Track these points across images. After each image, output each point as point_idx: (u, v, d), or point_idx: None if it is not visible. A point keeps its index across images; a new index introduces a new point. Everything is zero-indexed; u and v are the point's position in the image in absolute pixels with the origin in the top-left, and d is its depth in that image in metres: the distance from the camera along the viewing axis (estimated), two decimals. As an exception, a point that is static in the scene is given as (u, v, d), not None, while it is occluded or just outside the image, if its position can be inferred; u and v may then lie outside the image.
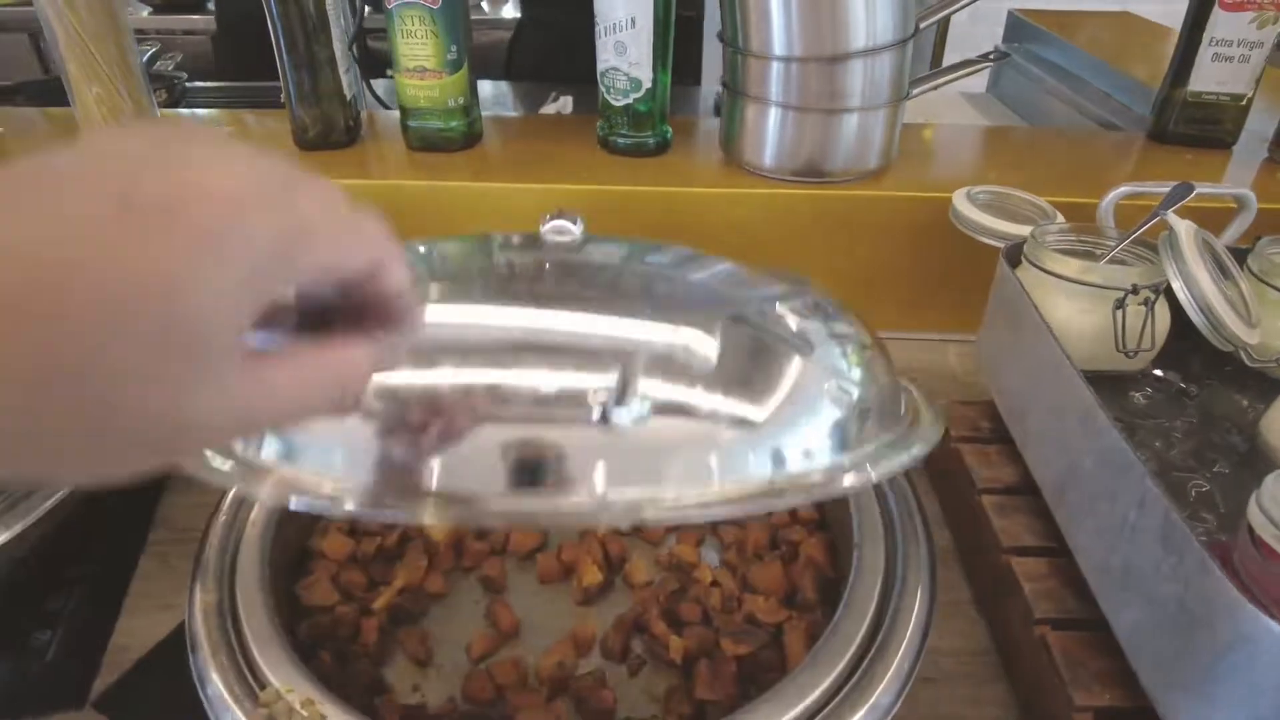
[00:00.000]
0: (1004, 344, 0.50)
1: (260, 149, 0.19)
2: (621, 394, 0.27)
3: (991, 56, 0.72)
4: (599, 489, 0.26)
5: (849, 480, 0.29)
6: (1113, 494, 0.36)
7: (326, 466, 0.26)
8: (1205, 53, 0.69)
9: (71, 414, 0.16)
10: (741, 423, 0.28)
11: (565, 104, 1.08)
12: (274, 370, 0.20)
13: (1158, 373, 0.50)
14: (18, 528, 0.41)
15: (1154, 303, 0.46)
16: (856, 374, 0.33)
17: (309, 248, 0.19)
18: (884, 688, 0.34)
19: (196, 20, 1.63)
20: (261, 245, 0.18)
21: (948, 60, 1.23)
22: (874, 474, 0.29)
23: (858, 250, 0.66)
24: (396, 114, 0.72)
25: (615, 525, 0.35)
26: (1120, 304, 0.46)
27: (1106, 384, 0.39)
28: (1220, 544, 0.37)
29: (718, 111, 0.74)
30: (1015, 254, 0.51)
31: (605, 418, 0.26)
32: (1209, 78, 0.70)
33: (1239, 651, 0.29)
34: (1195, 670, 0.31)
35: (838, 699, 0.34)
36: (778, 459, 0.28)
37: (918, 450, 0.31)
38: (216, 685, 0.33)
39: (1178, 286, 0.45)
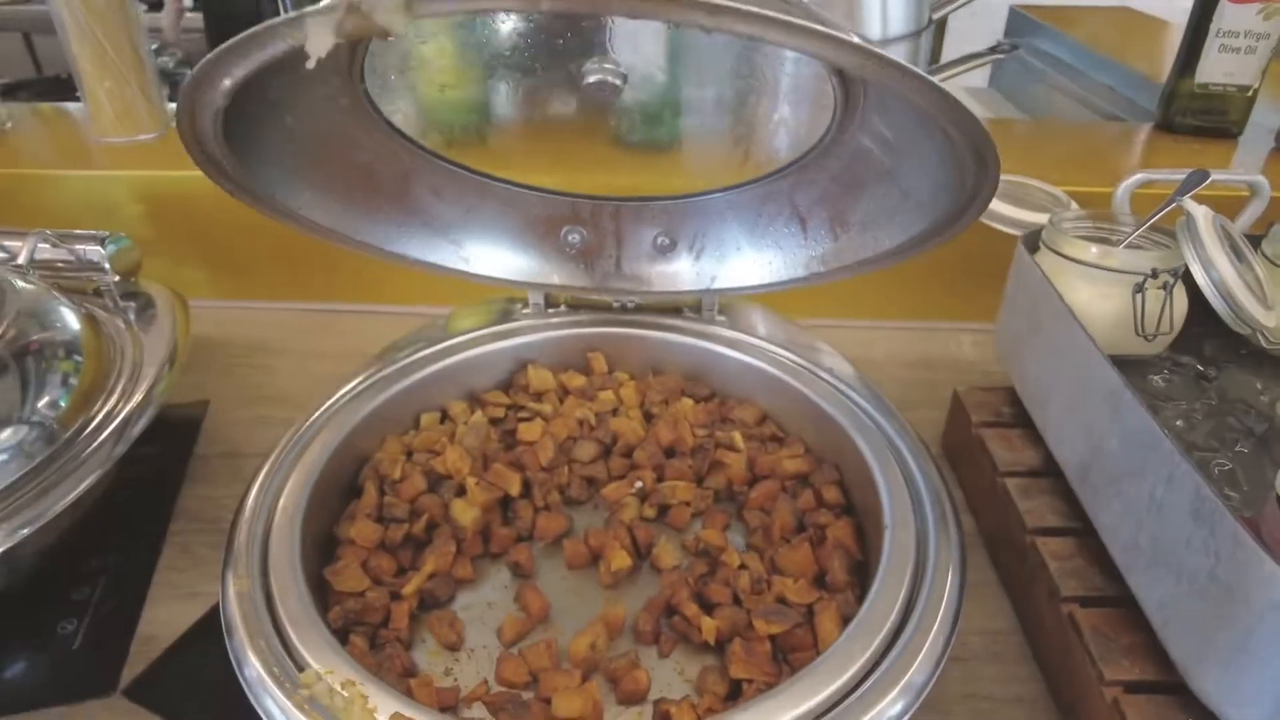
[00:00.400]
0: (1023, 330, 0.50)
1: None
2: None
3: (1003, 49, 0.72)
4: None
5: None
6: (1139, 472, 0.36)
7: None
8: (1212, 44, 0.70)
9: None
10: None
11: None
12: None
13: (1176, 356, 0.51)
14: (41, 520, 0.41)
15: (1172, 287, 0.47)
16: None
17: None
18: (918, 667, 0.35)
19: (193, 18, 1.62)
20: None
21: (946, 56, 1.24)
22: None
23: (871, 240, 0.66)
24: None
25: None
26: (1140, 288, 0.46)
27: (1126, 368, 0.39)
28: (1248, 519, 0.38)
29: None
30: (1033, 241, 0.52)
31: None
32: (1216, 69, 0.71)
33: (1271, 619, 0.29)
34: (1226, 641, 0.31)
35: (872, 678, 0.34)
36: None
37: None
38: (255, 667, 0.34)
39: (1196, 270, 0.46)
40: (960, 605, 0.37)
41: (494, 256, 0.53)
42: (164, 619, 0.44)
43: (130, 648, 0.43)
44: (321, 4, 0.29)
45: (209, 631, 0.43)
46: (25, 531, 0.40)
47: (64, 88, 1.00)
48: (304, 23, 0.30)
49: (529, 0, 0.31)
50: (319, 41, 0.30)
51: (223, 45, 0.32)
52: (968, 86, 1.18)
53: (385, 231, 0.50)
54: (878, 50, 0.31)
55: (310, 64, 0.30)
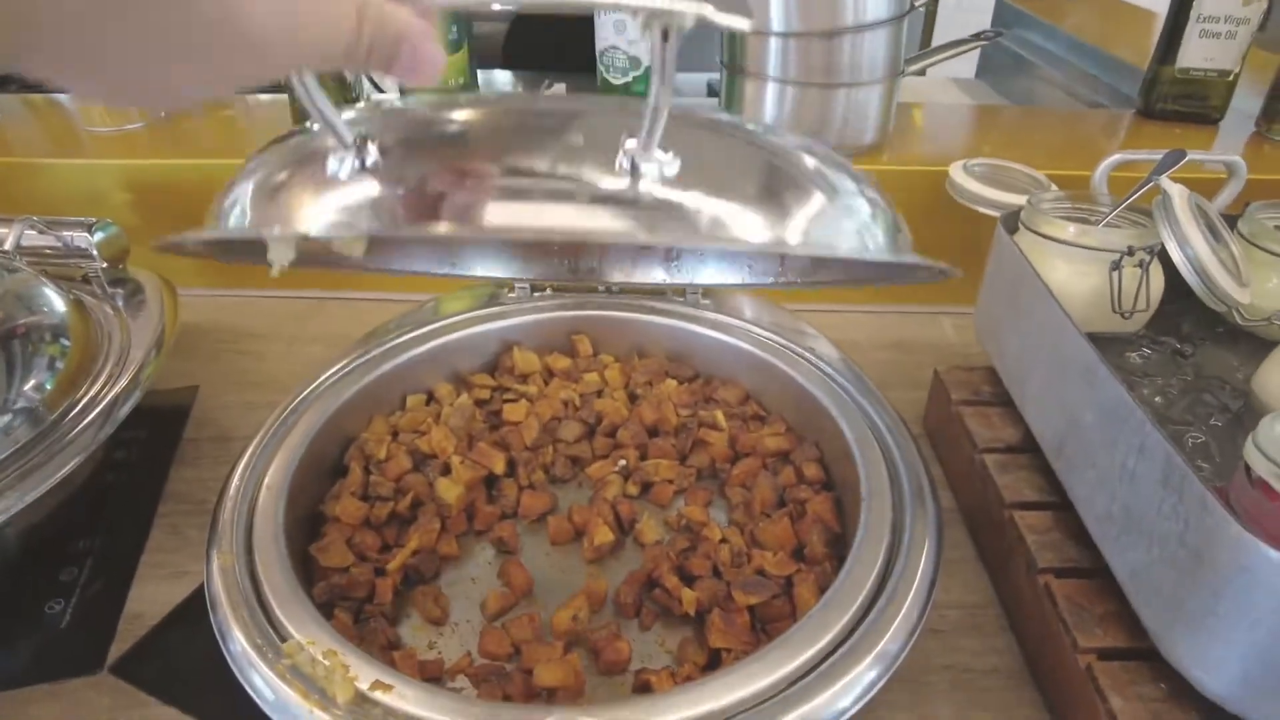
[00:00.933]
0: (1003, 309, 0.51)
1: None
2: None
3: (986, 36, 0.73)
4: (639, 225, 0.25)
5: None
6: (1113, 443, 0.37)
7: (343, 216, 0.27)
8: (1193, 29, 0.70)
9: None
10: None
11: (559, 92, 1.09)
12: None
13: (1153, 335, 0.51)
14: (27, 500, 0.41)
15: (1149, 264, 0.47)
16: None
17: None
18: (891, 635, 0.35)
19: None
20: None
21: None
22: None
23: (855, 225, 0.66)
24: (396, 96, 0.72)
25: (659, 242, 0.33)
26: (1116, 265, 0.47)
27: (1103, 345, 0.40)
28: (1218, 488, 0.38)
29: (710, 95, 0.75)
30: (1012, 221, 0.52)
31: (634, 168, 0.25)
32: (1197, 54, 0.71)
33: (1237, 583, 0.30)
34: (1196, 605, 0.32)
35: (847, 645, 0.35)
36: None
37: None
38: (240, 641, 0.34)
39: (1172, 248, 0.46)
40: (936, 576, 0.38)
41: (481, 264, 0.52)
42: (151, 597, 0.45)
43: (118, 626, 0.43)
44: (281, 231, 0.29)
45: (195, 609, 0.44)
46: (10, 511, 0.40)
47: None
48: (268, 243, 0.31)
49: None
50: (281, 256, 0.32)
51: (190, 236, 0.32)
52: (955, 78, 1.19)
53: (371, 260, 0.50)
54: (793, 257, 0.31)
55: (274, 273, 0.32)
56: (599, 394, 0.52)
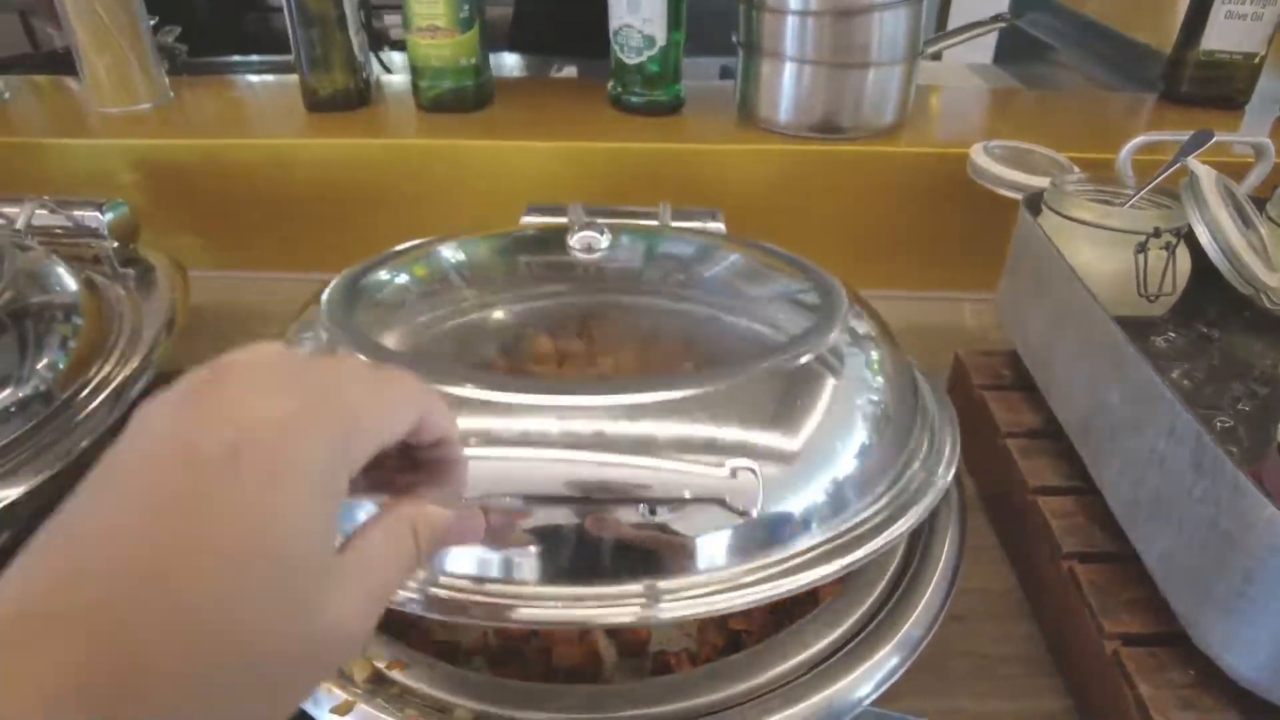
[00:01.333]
0: (1026, 291, 0.50)
1: (283, 345, 0.22)
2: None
3: (1003, 17, 0.72)
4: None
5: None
6: (1141, 426, 0.36)
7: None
8: (1218, 10, 0.69)
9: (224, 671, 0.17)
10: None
11: (570, 75, 1.08)
12: (360, 544, 0.21)
13: (1180, 319, 0.50)
14: (40, 478, 0.41)
15: (1175, 246, 0.47)
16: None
17: (361, 436, 0.20)
18: (915, 620, 0.35)
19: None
20: (322, 456, 0.19)
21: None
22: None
23: (871, 207, 0.66)
24: (406, 78, 0.72)
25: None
26: (1142, 247, 0.46)
27: (1127, 329, 0.39)
28: (1250, 471, 0.38)
29: (724, 79, 0.74)
30: (1035, 203, 0.52)
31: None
32: (1222, 37, 0.70)
33: (1270, 565, 0.29)
34: (1226, 589, 0.31)
35: (868, 629, 0.34)
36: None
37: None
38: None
39: (1200, 229, 0.45)
40: (959, 562, 0.37)
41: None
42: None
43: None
44: None
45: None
46: (23, 489, 0.40)
47: (60, 63, 1.00)
48: None
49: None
50: None
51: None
52: (971, 64, 1.18)
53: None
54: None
55: None
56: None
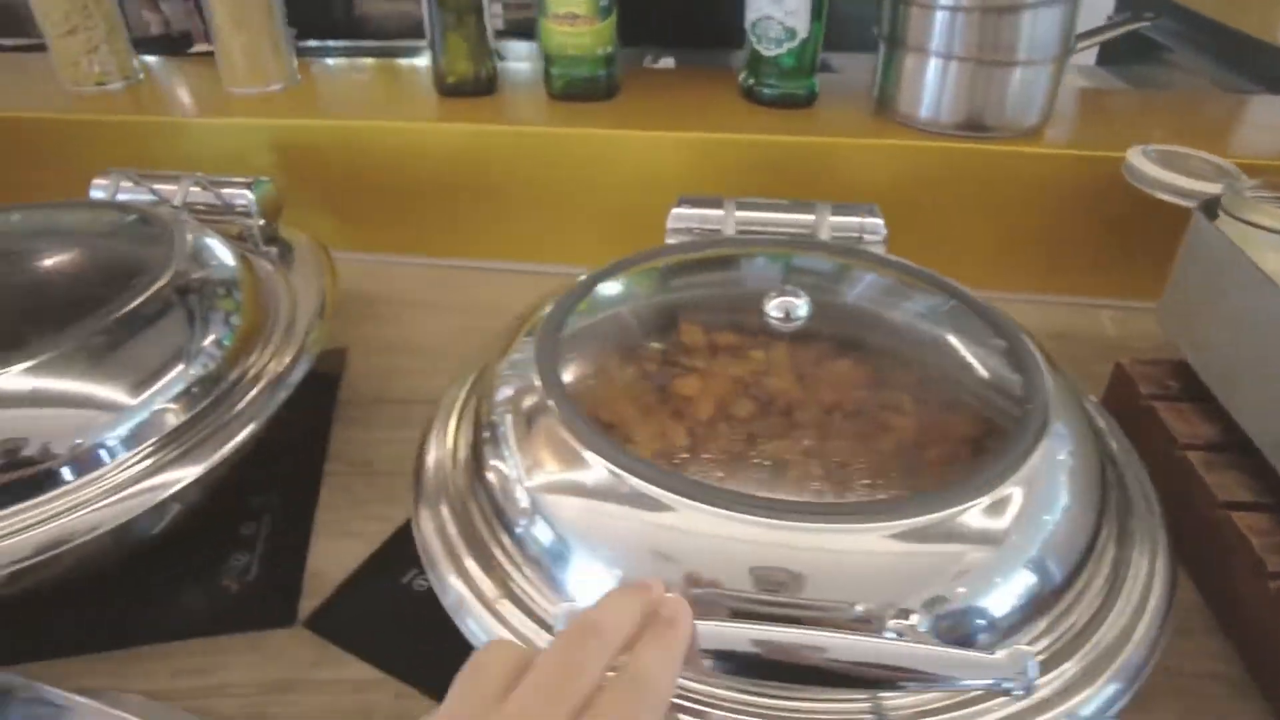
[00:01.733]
0: (1200, 299, 0.48)
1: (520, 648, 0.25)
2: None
3: (1146, 16, 0.69)
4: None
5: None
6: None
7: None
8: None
9: None
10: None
11: (667, 66, 1.07)
12: None
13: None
14: (214, 460, 0.41)
15: (1374, 258, 0.45)
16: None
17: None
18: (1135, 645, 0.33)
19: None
20: None
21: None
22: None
23: (1009, 208, 0.64)
24: (525, 66, 0.72)
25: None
26: (1340, 257, 0.44)
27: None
28: None
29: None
30: (1211, 209, 0.50)
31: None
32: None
33: None
34: None
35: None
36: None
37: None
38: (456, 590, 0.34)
39: (1404, 240, 0.43)
40: (1175, 578, 0.36)
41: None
42: (330, 554, 0.45)
43: (303, 582, 0.43)
44: None
45: (378, 568, 0.44)
46: (198, 471, 0.40)
47: (154, 47, 1.01)
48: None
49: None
50: None
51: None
52: (1079, 65, 1.14)
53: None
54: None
55: None
56: (766, 372, 0.51)
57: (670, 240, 0.54)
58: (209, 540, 0.45)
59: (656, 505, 0.32)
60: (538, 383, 0.38)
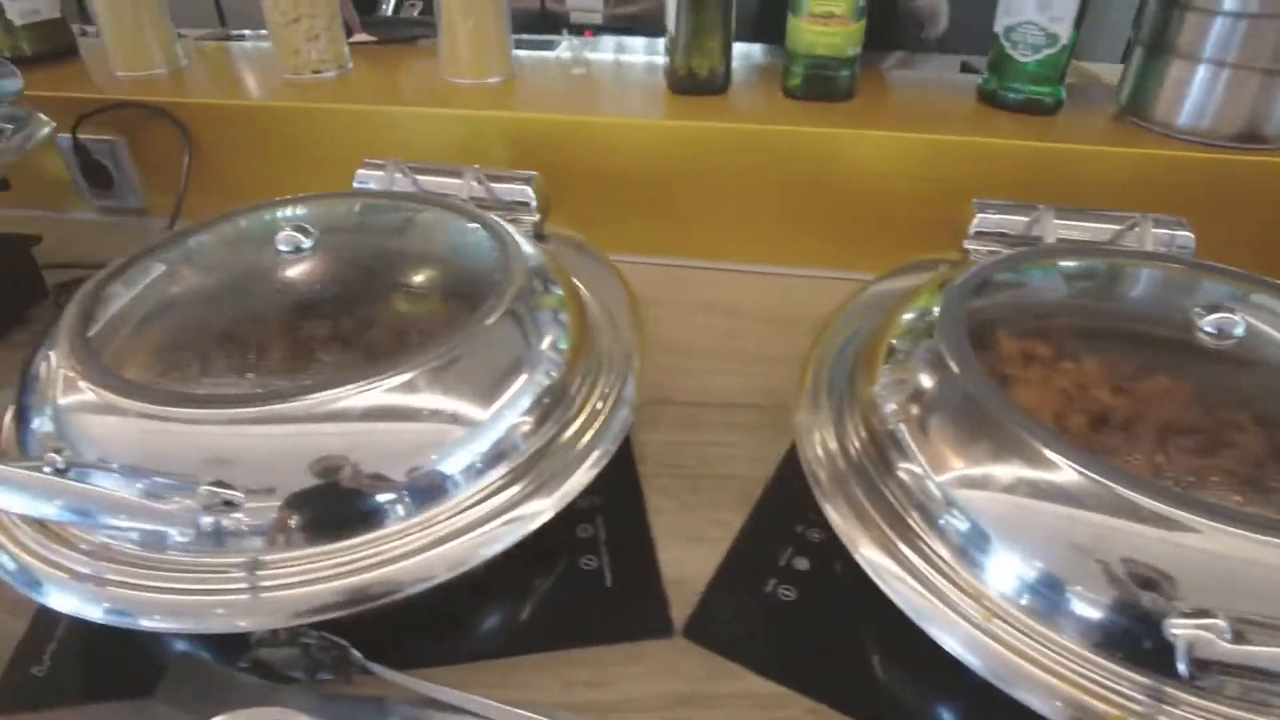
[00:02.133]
0: None
1: None
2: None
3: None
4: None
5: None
6: None
7: None
8: None
9: None
10: None
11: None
12: None
13: None
14: (577, 489, 0.39)
15: None
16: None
17: None
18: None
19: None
20: None
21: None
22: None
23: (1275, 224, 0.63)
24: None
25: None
26: None
27: None
28: None
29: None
30: None
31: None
32: None
33: None
34: None
35: None
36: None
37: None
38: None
39: None
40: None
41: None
42: (681, 561, 0.44)
43: (663, 589, 0.42)
44: None
45: (734, 576, 0.43)
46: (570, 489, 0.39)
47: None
48: None
49: None
50: None
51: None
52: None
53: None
54: None
55: None
56: (1081, 385, 0.50)
57: (970, 246, 0.54)
58: (547, 541, 0.44)
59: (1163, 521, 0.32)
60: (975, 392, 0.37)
